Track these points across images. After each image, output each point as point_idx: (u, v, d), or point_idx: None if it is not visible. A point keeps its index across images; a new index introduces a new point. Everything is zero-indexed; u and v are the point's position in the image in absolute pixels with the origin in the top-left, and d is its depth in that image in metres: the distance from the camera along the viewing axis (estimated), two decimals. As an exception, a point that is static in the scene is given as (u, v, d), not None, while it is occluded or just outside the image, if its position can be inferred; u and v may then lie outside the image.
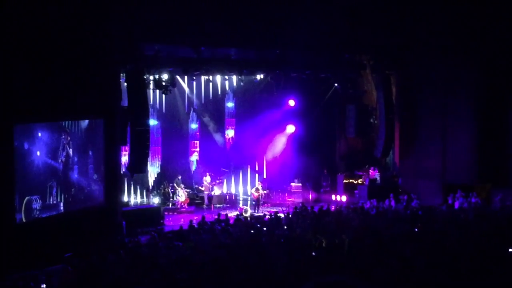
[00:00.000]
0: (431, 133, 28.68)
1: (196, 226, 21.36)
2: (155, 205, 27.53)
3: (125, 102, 23.65)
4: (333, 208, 25.28)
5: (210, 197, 29.09)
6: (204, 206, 28.82)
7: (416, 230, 18.19)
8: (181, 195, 28.31)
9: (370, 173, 30.78)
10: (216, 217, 22.74)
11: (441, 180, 27.99)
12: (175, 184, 28.52)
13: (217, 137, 31.61)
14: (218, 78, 30.06)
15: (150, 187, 29.18)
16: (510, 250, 14.44)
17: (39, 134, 18.98)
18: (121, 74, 23.53)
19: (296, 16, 25.81)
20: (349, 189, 30.74)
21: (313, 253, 15.18)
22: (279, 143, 32.57)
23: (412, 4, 27.14)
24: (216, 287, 11.66)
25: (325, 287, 2.49)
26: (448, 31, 27.62)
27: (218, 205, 28.90)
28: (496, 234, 16.52)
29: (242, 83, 30.75)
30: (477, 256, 13.68)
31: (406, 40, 28.64)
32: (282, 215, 23.24)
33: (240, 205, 29.43)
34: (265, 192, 29.62)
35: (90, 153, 21.77)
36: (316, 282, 2.51)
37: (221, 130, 31.73)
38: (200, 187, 29.42)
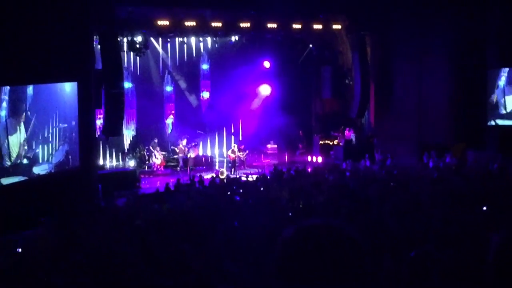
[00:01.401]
0: (406, 93, 28.78)
1: (172, 189, 21.35)
2: (131, 168, 27.47)
3: (99, 65, 23.46)
4: (309, 169, 25.36)
5: (186, 160, 29.04)
6: (178, 168, 28.78)
7: (390, 189, 18.29)
8: (157, 157, 28.26)
9: (345, 134, 30.91)
10: (191, 179, 22.74)
11: (416, 140, 28.16)
12: (151, 147, 28.44)
13: (192, 99, 31.49)
14: (193, 40, 29.89)
15: (126, 150, 29.09)
16: (484, 208, 14.58)
17: (6, 97, 18.69)
18: (95, 37, 23.28)
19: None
20: (324, 150, 30.87)
21: (290, 214, 15.23)
22: (256, 102, 32.54)
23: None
24: (193, 248, 11.68)
25: (307, 231, 2.48)
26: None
27: (194, 168, 28.89)
28: (470, 193, 16.67)
29: (217, 45, 30.61)
30: (451, 215, 13.80)
31: (381, 0, 28.54)
32: (258, 177, 23.28)
33: (216, 167, 29.47)
34: (242, 154, 29.57)
35: (64, 116, 21.55)
36: (298, 226, 2.51)
37: (196, 92, 31.60)
38: (175, 149, 29.33)
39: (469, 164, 22.42)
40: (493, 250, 2.91)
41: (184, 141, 29.25)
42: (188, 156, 29.20)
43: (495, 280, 2.90)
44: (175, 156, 29.32)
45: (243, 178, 23.85)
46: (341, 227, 2.52)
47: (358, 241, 2.49)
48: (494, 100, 27.84)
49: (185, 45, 29.75)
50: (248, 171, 27.18)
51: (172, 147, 29.71)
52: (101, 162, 26.87)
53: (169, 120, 31.11)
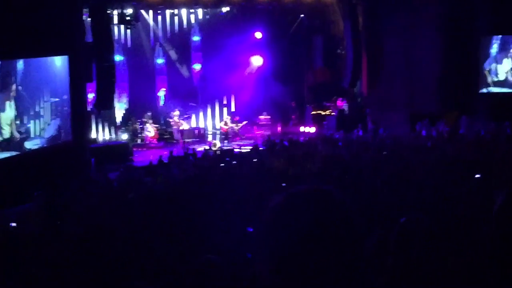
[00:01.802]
0: (398, 62, 28.73)
1: (165, 161, 21.36)
2: (123, 141, 27.44)
3: (89, 38, 23.34)
4: (301, 140, 25.38)
5: (181, 132, 29.02)
6: (174, 141, 28.74)
7: (383, 158, 18.33)
8: (150, 130, 28.23)
9: (338, 104, 30.88)
10: (184, 151, 22.75)
11: (408, 109, 28.17)
12: (144, 120, 28.40)
13: (184, 70, 31.39)
14: (184, 11, 29.71)
15: (118, 124, 29.03)
16: (476, 176, 14.62)
17: None
18: (84, 10, 23.13)
19: None
20: (317, 121, 30.86)
21: (283, 184, 15.27)
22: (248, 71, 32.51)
23: None
24: (186, 219, 11.70)
25: (298, 197, 2.47)
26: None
27: (187, 140, 28.85)
28: (463, 161, 16.72)
29: (207, 16, 30.45)
30: (443, 183, 13.85)
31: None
32: (251, 148, 23.30)
33: (209, 139, 29.46)
34: (237, 125, 29.54)
35: (55, 90, 21.47)
36: (288, 192, 2.50)
37: (188, 63, 31.49)
38: (170, 121, 29.24)
39: (461, 132, 22.47)
40: (496, 208, 2.93)
41: (177, 113, 29.18)
42: (181, 128, 29.14)
43: (497, 238, 2.93)
44: (169, 130, 29.25)
45: (236, 150, 23.84)
46: (330, 191, 2.51)
47: (348, 205, 2.49)
48: (487, 68, 27.86)
49: (176, 17, 29.60)
50: (241, 143, 27.17)
51: (168, 119, 29.59)
52: (93, 135, 26.80)
53: (161, 93, 31.02)
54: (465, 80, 27.73)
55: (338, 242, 2.37)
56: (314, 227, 2.37)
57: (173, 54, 30.94)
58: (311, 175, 16.32)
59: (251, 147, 23.60)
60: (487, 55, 27.94)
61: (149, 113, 28.77)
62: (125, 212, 13.00)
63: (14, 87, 19.23)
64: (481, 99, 28.00)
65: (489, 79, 27.94)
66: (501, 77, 27.85)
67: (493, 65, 27.85)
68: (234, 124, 29.43)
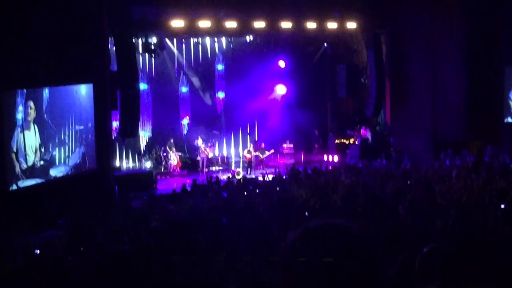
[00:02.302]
0: (422, 91, 28.64)
1: (189, 189, 21.39)
2: (147, 169, 27.53)
3: (114, 67, 23.55)
4: (325, 168, 25.33)
5: (209, 160, 29.12)
6: (198, 169, 28.72)
7: (407, 187, 18.23)
8: (173, 158, 28.31)
9: (361, 133, 30.83)
10: (208, 179, 22.76)
11: (432, 137, 28.03)
12: (167, 148, 28.50)
13: (207, 98, 31.51)
14: (208, 40, 29.91)
15: (142, 152, 29.15)
16: (502, 206, 14.49)
17: (23, 100, 18.76)
18: (110, 38, 23.37)
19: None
20: (341, 149, 30.83)
21: (306, 213, 15.22)
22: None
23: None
24: (210, 248, 11.68)
25: (315, 232, 2.46)
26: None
27: (210, 168, 28.90)
28: (488, 190, 16.59)
29: (231, 45, 30.64)
30: (468, 212, 13.74)
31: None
32: (274, 177, 23.29)
33: (232, 167, 29.50)
34: (263, 153, 29.50)
35: (80, 118, 21.64)
36: (306, 227, 2.49)
37: (211, 91, 31.61)
38: (200, 150, 29.14)
39: (486, 162, 22.29)
40: None
41: (200, 141, 29.25)
42: (206, 156, 29.21)
43: None
44: (197, 158, 29.24)
45: (260, 178, 23.83)
46: (349, 227, 2.50)
47: (367, 241, 2.47)
48: (511, 97, 27.75)
49: (200, 46, 29.81)
50: (264, 171, 27.16)
51: (198, 147, 29.47)
52: (117, 163, 26.92)
53: (185, 121, 31.14)
54: (490, 109, 27.57)
55: (356, 278, 2.36)
56: (332, 264, 2.36)
57: (196, 82, 31.09)
58: (334, 204, 16.27)
59: (274, 176, 23.59)
60: (511, 84, 27.82)
61: (172, 140, 28.85)
62: (149, 240, 13.01)
63: (40, 115, 19.42)
64: (506, 128, 27.82)
65: (514, 109, 27.81)
66: (526, 106, 27.73)
67: (517, 95, 27.74)
68: (259, 152, 29.38)
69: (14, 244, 13.64)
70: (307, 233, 2.49)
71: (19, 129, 18.39)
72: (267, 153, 29.61)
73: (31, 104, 19.06)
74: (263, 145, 29.77)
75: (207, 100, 31.53)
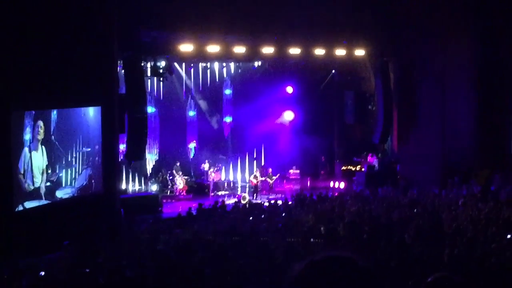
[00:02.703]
0: (430, 118, 28.66)
1: (194, 213, 21.36)
2: (153, 192, 27.52)
3: (122, 89, 23.64)
4: (331, 195, 25.28)
5: (215, 184, 29.12)
6: (205, 191, 28.69)
7: (414, 215, 18.18)
8: (179, 182, 28.30)
9: (368, 160, 30.79)
10: (214, 204, 22.73)
11: (440, 165, 27.99)
12: (173, 171, 28.50)
13: (213, 122, 31.55)
14: (216, 65, 30.02)
15: (148, 175, 29.16)
16: (508, 236, 14.43)
17: (31, 122, 18.82)
18: (119, 61, 23.47)
19: (292, 4, 25.79)
20: (347, 176, 30.77)
21: (312, 240, 15.18)
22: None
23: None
24: (215, 272, 11.65)
25: (321, 264, 2.44)
26: (446, 16, 27.58)
27: (216, 193, 28.88)
28: (495, 219, 16.53)
29: (240, 70, 30.74)
30: (475, 241, 13.68)
31: (404, 26, 28.56)
32: (280, 202, 23.25)
33: (238, 192, 29.47)
34: (271, 178, 29.46)
35: (88, 140, 21.69)
36: (311, 260, 2.47)
37: (218, 115, 31.65)
38: (209, 176, 29.16)
39: (493, 191, 22.22)
40: None
41: (207, 165, 29.28)
42: (212, 180, 29.20)
43: None
44: (206, 183, 29.20)
45: (265, 203, 23.79)
46: (354, 259, 2.48)
47: (371, 272, 2.46)
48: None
49: (208, 70, 29.90)
50: (271, 196, 27.12)
51: (203, 167, 29.48)
52: (123, 186, 26.92)
53: (192, 145, 31.16)
54: (498, 138, 27.57)
55: None
56: None
57: (204, 105, 31.13)
58: (340, 231, 16.21)
59: (280, 201, 23.55)
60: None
61: (178, 164, 28.86)
62: (154, 263, 12.98)
63: (48, 136, 19.47)
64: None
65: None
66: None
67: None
68: (267, 177, 29.35)
69: (19, 265, 13.64)
70: (312, 265, 2.47)
71: (26, 150, 18.44)
72: (274, 178, 29.57)
73: (41, 123, 19.13)
74: (270, 170, 29.73)
75: (214, 124, 31.58)
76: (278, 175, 30.12)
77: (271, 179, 29.25)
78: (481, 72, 27.58)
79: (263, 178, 29.19)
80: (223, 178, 30.67)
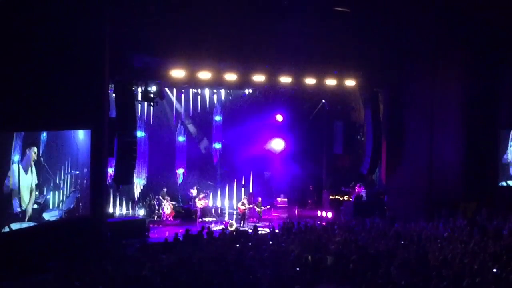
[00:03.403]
0: (418, 150, 28.79)
1: (181, 239, 21.30)
2: (140, 217, 27.45)
3: (112, 113, 23.66)
4: (318, 224, 25.27)
5: (202, 210, 28.96)
6: (193, 217, 28.58)
7: (400, 247, 18.21)
8: (167, 207, 28.24)
9: (356, 190, 30.85)
10: (200, 230, 22.67)
11: (426, 197, 28.06)
12: (160, 197, 28.45)
13: (202, 145, 31.51)
14: (207, 91, 30.13)
15: (136, 199, 29.10)
16: (494, 270, 14.47)
17: (20, 143, 18.79)
18: (110, 85, 23.51)
19: (284, 33, 25.95)
20: (335, 205, 30.80)
21: (298, 269, 15.18)
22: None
23: (398, 22, 27.27)
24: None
25: None
26: (435, 49, 27.85)
27: (203, 219, 28.80)
28: (481, 253, 16.58)
29: (230, 97, 30.86)
30: (461, 274, 13.73)
31: (394, 58, 28.79)
32: (267, 230, 23.23)
33: (226, 219, 29.43)
34: (260, 207, 29.35)
35: (76, 163, 21.66)
36: None
37: (207, 141, 31.64)
38: (197, 202, 29.04)
39: (480, 224, 22.29)
40: None
41: (195, 191, 29.23)
42: (200, 206, 29.10)
43: None
44: (195, 208, 29.04)
45: (251, 231, 23.76)
46: None
47: None
48: (507, 160, 27.92)
49: (199, 96, 29.99)
50: (258, 224, 27.09)
51: (191, 193, 29.37)
52: (111, 210, 26.84)
53: (180, 171, 31.14)
54: (485, 171, 27.73)
55: None
56: None
57: (191, 128, 31.05)
58: (326, 260, 16.22)
59: (268, 229, 23.52)
60: (506, 147, 28.03)
61: (165, 189, 28.79)
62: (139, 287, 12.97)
63: (36, 158, 19.44)
64: (500, 191, 27.94)
65: (509, 173, 27.94)
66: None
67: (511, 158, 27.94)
68: (255, 205, 29.24)
69: (4, 286, 13.58)
70: None
71: (15, 172, 18.40)
72: (263, 208, 29.47)
73: (35, 149, 19.17)
74: (259, 199, 29.64)
75: (202, 147, 31.53)
76: (268, 206, 30.07)
77: (260, 208, 29.15)
78: (469, 106, 27.82)
79: (251, 206, 29.14)
80: (210, 204, 30.61)
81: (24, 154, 18.72)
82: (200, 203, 29.06)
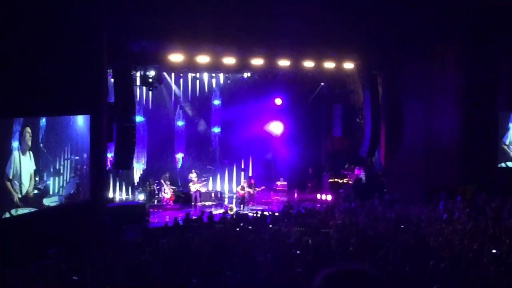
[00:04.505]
0: (417, 133, 28.80)
1: (181, 223, 21.37)
2: (140, 201, 27.50)
3: (111, 98, 23.65)
4: (318, 207, 25.33)
5: (198, 195, 28.99)
6: (192, 203, 28.63)
7: (399, 229, 18.26)
8: (167, 192, 28.29)
9: (355, 172, 30.89)
10: (200, 214, 22.73)
11: (426, 180, 28.09)
12: (162, 181, 28.47)
13: (200, 125, 31.44)
14: (205, 75, 30.09)
15: (136, 184, 29.13)
16: (494, 251, 14.53)
17: (19, 129, 18.78)
18: (108, 70, 23.48)
19: (282, 16, 25.86)
20: (334, 188, 30.82)
21: (298, 252, 15.23)
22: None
23: (397, 5, 27.18)
24: (201, 284, 11.68)
25: (337, 278, 2.54)
26: (434, 30, 27.79)
27: (203, 203, 28.86)
28: (480, 235, 16.65)
29: (229, 81, 30.82)
30: (459, 257, 13.77)
31: (393, 40, 28.73)
32: (267, 214, 23.29)
33: (225, 203, 29.47)
34: (253, 189, 29.38)
35: (76, 148, 21.67)
36: (325, 274, 2.57)
37: (206, 123, 31.60)
38: (189, 185, 29.10)
39: (479, 206, 22.33)
40: None
41: (194, 175, 29.23)
42: (199, 191, 29.13)
43: None
44: (191, 192, 29.11)
45: (252, 214, 23.82)
46: (372, 275, 2.57)
47: (382, 280, 2.54)
48: (506, 142, 27.92)
49: (198, 81, 29.96)
50: (258, 208, 27.14)
51: (190, 177, 29.41)
52: (110, 195, 26.90)
53: (180, 155, 31.14)
54: (484, 154, 27.73)
55: None
56: None
57: (188, 110, 30.93)
58: (327, 242, 16.28)
59: (268, 212, 23.58)
60: (505, 130, 28.04)
61: (167, 174, 28.84)
62: (139, 273, 13.00)
63: (36, 144, 19.45)
64: (499, 173, 27.97)
65: (508, 154, 27.97)
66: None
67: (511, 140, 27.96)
68: (251, 189, 29.32)
69: (5, 273, 13.62)
70: (329, 280, 2.56)
71: (16, 156, 18.42)
72: (258, 189, 29.49)
73: (29, 129, 19.10)
74: (253, 181, 29.64)
75: (201, 127, 31.41)
76: (262, 187, 30.04)
77: (254, 190, 29.11)
78: (467, 89, 27.78)
79: (250, 190, 29.17)
80: (210, 188, 30.67)
81: (21, 137, 18.71)
82: (194, 187, 29.01)
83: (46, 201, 20.20)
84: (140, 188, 28.97)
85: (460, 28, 27.39)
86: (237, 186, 30.22)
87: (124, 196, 28.79)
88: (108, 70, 23.45)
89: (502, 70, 27.78)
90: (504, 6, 25.54)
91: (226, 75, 30.33)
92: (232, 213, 25.24)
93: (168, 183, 28.53)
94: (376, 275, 2.59)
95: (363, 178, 30.62)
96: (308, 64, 28.42)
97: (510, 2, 25.37)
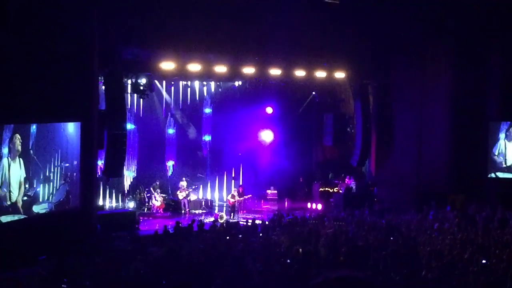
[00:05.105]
0: (407, 142, 28.91)
1: (171, 231, 21.31)
2: (130, 209, 27.42)
3: (102, 106, 23.60)
4: (308, 216, 25.32)
5: (188, 203, 28.91)
6: (182, 211, 28.57)
7: (390, 239, 18.27)
8: (157, 200, 28.24)
9: (346, 182, 30.94)
10: (190, 222, 22.68)
11: (416, 189, 28.16)
12: (151, 189, 28.43)
13: (191, 131, 31.39)
14: (196, 83, 30.08)
15: (126, 192, 29.06)
16: (483, 261, 14.56)
17: (9, 135, 18.72)
18: (99, 77, 23.44)
19: (274, 25, 25.90)
20: (324, 197, 30.86)
21: (288, 261, 15.21)
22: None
23: (387, 14, 27.28)
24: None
25: (335, 283, 2.55)
26: (424, 40, 27.93)
27: (193, 211, 28.81)
28: (470, 244, 16.66)
29: (220, 89, 30.82)
30: (450, 264, 13.79)
31: (383, 50, 28.83)
32: (258, 222, 23.26)
33: (216, 211, 29.42)
34: (245, 197, 29.34)
35: (66, 155, 21.61)
36: (324, 279, 2.57)
37: (197, 131, 31.57)
38: (178, 193, 29.06)
39: (469, 216, 22.38)
40: None
41: (184, 183, 29.18)
42: (189, 199, 29.08)
43: None
44: (176, 200, 29.07)
45: (242, 222, 23.79)
46: (367, 280, 2.58)
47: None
48: (496, 153, 28.00)
49: (189, 89, 29.95)
50: (248, 216, 27.12)
51: (181, 185, 29.36)
52: (100, 202, 26.83)
53: (170, 163, 31.10)
54: (474, 163, 27.80)
55: None
56: None
57: (180, 118, 30.90)
58: (317, 252, 16.27)
59: (258, 221, 23.54)
60: (495, 140, 28.12)
61: (158, 182, 28.81)
62: (129, 281, 12.97)
63: (26, 150, 19.38)
64: (489, 183, 28.05)
65: (497, 165, 28.05)
66: (510, 163, 27.96)
67: (502, 150, 28.00)
68: (241, 197, 29.26)
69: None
70: (327, 283, 2.57)
71: (4, 164, 18.34)
72: (245, 197, 29.42)
73: (19, 136, 19.02)
74: (241, 189, 29.58)
75: (191, 133, 31.37)
76: (250, 195, 29.96)
77: (241, 197, 29.03)
78: (458, 98, 27.88)
79: (241, 198, 29.14)
80: (200, 196, 30.65)
81: (11, 143, 18.64)
82: (181, 195, 28.92)
83: (36, 208, 20.11)
84: (130, 196, 28.92)
85: (449, 36, 27.50)
86: (227, 195, 30.19)
87: (114, 204, 28.74)
88: (99, 78, 23.41)
89: (492, 79, 27.89)
90: (495, 14, 25.69)
91: (218, 83, 30.34)
92: (222, 221, 25.21)
93: (159, 191, 28.50)
94: (364, 279, 2.60)
95: (354, 187, 30.65)
96: (299, 73, 28.47)
97: (501, 10, 25.53)
